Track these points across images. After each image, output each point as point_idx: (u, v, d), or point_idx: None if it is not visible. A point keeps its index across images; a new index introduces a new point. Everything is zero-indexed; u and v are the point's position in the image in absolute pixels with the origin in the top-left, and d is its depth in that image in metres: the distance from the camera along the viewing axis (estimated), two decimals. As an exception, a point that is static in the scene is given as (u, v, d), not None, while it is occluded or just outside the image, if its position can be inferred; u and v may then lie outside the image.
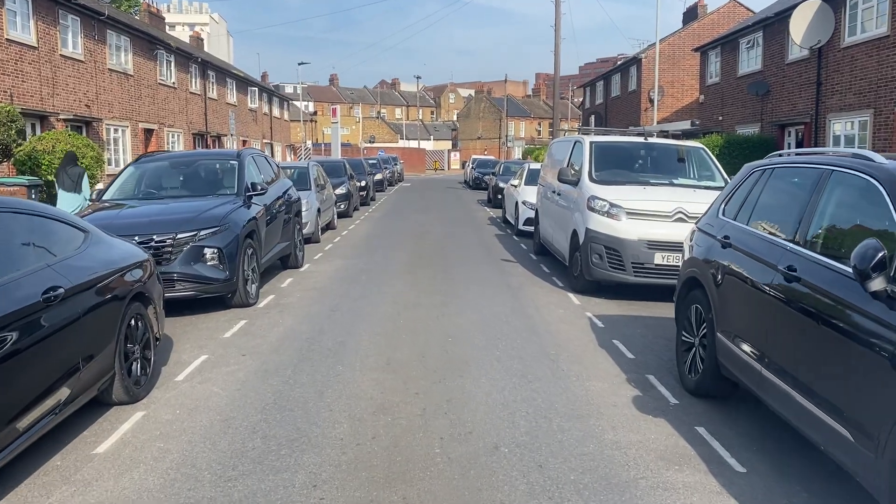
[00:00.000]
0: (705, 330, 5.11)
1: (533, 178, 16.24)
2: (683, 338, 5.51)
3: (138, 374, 5.05)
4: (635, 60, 35.28)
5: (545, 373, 5.63)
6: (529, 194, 14.99)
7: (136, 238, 7.14)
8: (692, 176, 9.76)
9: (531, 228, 14.51)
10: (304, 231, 13.30)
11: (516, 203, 15.67)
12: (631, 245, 8.28)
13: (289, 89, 75.93)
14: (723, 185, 9.29)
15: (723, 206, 5.45)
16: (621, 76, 37.93)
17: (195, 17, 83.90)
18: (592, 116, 38.31)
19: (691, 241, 5.88)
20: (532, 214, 14.44)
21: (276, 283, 9.63)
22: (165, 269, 7.23)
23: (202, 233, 7.45)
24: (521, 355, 6.11)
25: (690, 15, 37.46)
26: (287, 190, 10.64)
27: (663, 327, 7.26)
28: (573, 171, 9.63)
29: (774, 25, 22.74)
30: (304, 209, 13.14)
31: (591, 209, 8.71)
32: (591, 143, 9.77)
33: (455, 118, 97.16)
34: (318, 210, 14.24)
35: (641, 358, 6.15)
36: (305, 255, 11.99)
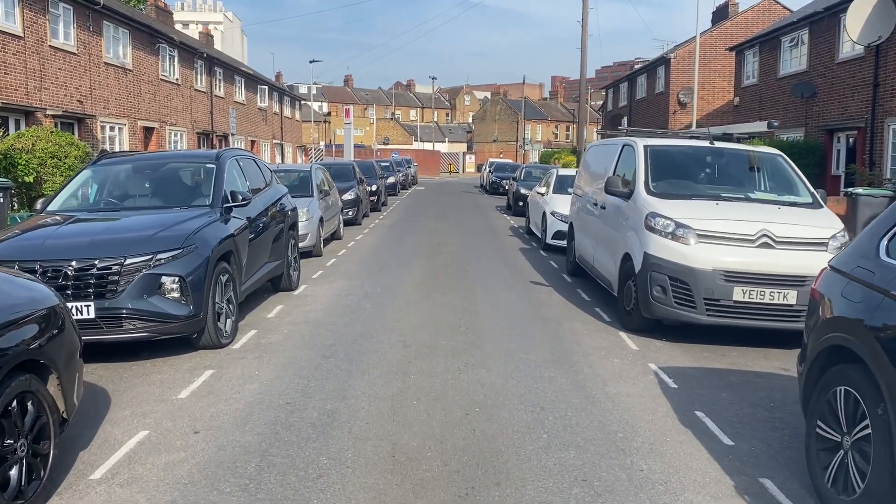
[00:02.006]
0: (867, 429, 3.40)
1: (562, 185, 14.56)
2: (822, 432, 3.80)
3: (22, 482, 3.41)
4: (663, 60, 33.42)
5: (617, 475, 3.94)
6: (559, 204, 13.29)
7: (74, 263, 5.59)
8: (765, 188, 8.02)
9: (561, 243, 12.81)
10: (304, 244, 11.71)
11: (543, 213, 13.96)
12: (704, 276, 6.56)
13: (303, 90, 74.62)
14: (810, 201, 7.57)
15: (885, 242, 3.73)
16: (647, 77, 36.08)
17: (209, 15, 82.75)
18: (625, 119, 36.45)
19: (819, 286, 4.17)
20: (563, 227, 12.74)
21: (261, 311, 7.99)
22: (111, 303, 5.61)
23: (160, 256, 5.82)
24: (578, 440, 4.41)
25: (721, 14, 35.53)
26: (280, 199, 9.00)
27: (755, 388, 5.55)
28: (623, 181, 7.93)
29: (823, 21, 20.87)
30: (303, 219, 11.56)
31: (651, 229, 7.00)
32: (645, 146, 8.06)
33: (470, 120, 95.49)
34: (321, 219, 12.62)
35: (744, 445, 4.44)
36: (304, 272, 10.36)
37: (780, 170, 8.10)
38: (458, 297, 8.87)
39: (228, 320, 6.58)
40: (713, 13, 36.92)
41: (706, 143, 8.39)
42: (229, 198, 7.09)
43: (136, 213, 6.75)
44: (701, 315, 6.62)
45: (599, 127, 55.14)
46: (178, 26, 49.58)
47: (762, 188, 7.99)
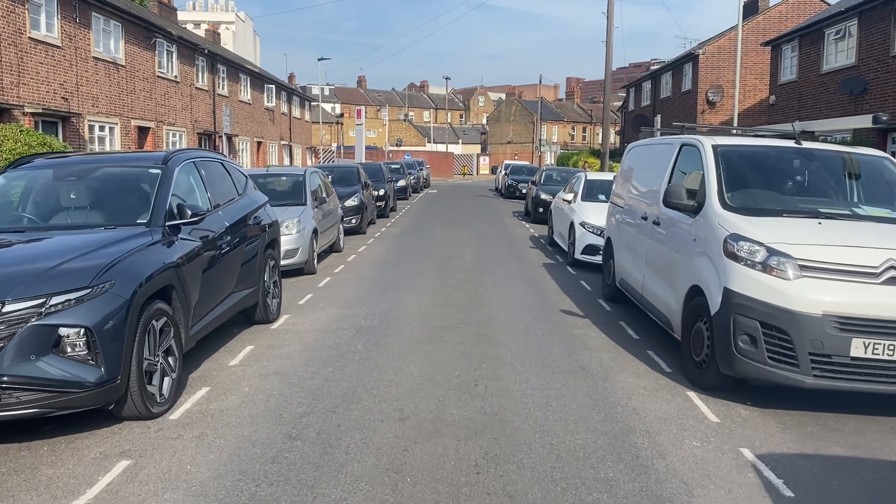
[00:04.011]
0: None
1: (592, 192, 12.81)
2: None
3: None
4: (691, 57, 31.55)
5: None
6: (590, 214, 11.55)
7: (-70, 311, 3.91)
8: (870, 201, 6.22)
9: (593, 259, 11.09)
10: (294, 260, 10.07)
11: (571, 224, 12.19)
12: (810, 323, 4.80)
13: (315, 91, 73.30)
14: (937, 217, 5.75)
15: None
16: (673, 75, 34.19)
17: (220, 15, 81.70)
18: (659, 116, 34.56)
19: None
20: (595, 241, 11.03)
21: (224, 355, 6.30)
22: (-19, 367, 3.95)
23: (58, 299, 4.15)
24: None
25: (750, 8, 33.55)
26: (255, 211, 7.32)
27: (909, 500, 3.79)
28: (688, 191, 6.17)
29: (876, 10, 18.95)
30: (292, 232, 9.93)
31: (733, 256, 5.24)
32: (714, 147, 6.29)
33: (485, 121, 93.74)
34: (315, 231, 10.93)
35: None
36: (290, 295, 8.72)
37: (887, 177, 6.31)
38: (474, 334, 7.14)
39: (166, 379, 4.90)
40: (743, 8, 34.94)
41: (790, 143, 6.61)
42: (175, 213, 5.43)
43: (44, 235, 5.08)
44: (805, 376, 4.85)
45: (618, 129, 53.17)
46: (189, 26, 48.30)
47: (866, 201, 6.21)
